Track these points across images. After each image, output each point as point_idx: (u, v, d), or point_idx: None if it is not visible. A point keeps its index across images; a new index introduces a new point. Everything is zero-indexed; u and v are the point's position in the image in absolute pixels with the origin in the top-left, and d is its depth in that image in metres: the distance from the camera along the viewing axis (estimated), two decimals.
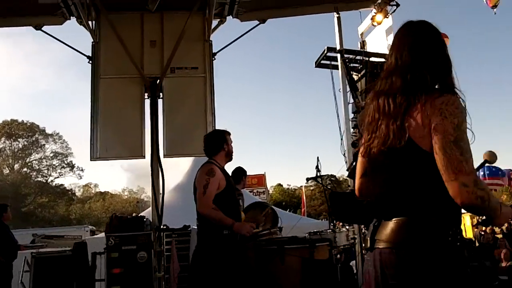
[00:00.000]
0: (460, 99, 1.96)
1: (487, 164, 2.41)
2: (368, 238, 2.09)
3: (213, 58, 8.23)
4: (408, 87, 2.02)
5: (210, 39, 8.18)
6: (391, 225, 1.99)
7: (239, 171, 6.72)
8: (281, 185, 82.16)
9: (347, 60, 9.75)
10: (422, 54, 2.07)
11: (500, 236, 17.04)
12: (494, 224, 2.04)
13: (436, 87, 2.06)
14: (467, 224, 17.58)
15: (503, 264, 7.29)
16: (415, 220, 1.94)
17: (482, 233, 17.77)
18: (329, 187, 6.90)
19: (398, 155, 1.99)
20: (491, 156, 2.39)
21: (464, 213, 2.09)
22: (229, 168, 5.09)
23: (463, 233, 2.05)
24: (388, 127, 2.00)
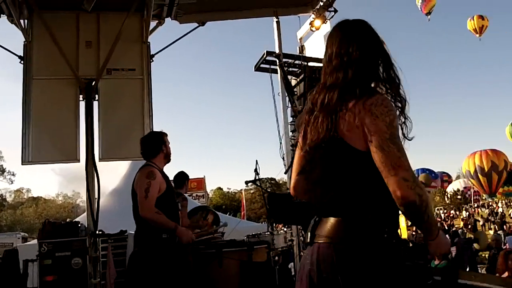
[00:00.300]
0: (390, 98, 2.03)
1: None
2: (309, 233, 2.10)
3: (151, 60, 8.10)
4: (339, 85, 2.05)
5: (148, 40, 8.04)
6: (330, 221, 2.02)
7: (182, 176, 6.65)
8: (221, 189, 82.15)
9: (286, 64, 9.85)
10: (363, 50, 2.09)
11: None
12: (430, 246, 2.00)
13: (372, 85, 2.10)
14: (402, 225, 18.12)
15: (436, 263, 7.51)
16: (353, 218, 1.97)
17: (414, 233, 18.37)
18: (268, 190, 6.90)
19: (331, 152, 2.02)
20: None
21: (400, 213, 2.11)
22: (171, 172, 4.99)
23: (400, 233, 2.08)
24: (322, 123, 2.03)
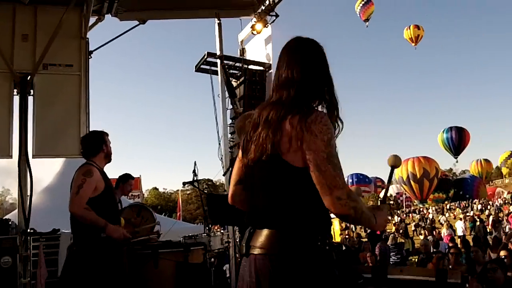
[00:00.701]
0: (328, 116, 2.09)
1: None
2: (244, 244, 2.14)
3: (90, 56, 7.94)
4: (282, 102, 2.12)
5: (87, 36, 7.88)
6: (265, 232, 2.07)
7: (120, 178, 6.58)
8: (157, 189, 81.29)
9: (226, 67, 9.88)
10: (307, 71, 2.16)
11: (365, 239, 18.15)
12: (374, 230, 2.24)
13: (312, 104, 2.18)
14: (336, 229, 18.48)
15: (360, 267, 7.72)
16: (287, 229, 2.03)
17: (347, 237, 18.81)
18: (205, 191, 6.90)
19: (270, 166, 2.09)
20: (396, 161, 2.51)
21: (333, 218, 2.22)
22: (111, 172, 4.89)
23: (333, 237, 2.19)
24: (264, 138, 2.09)
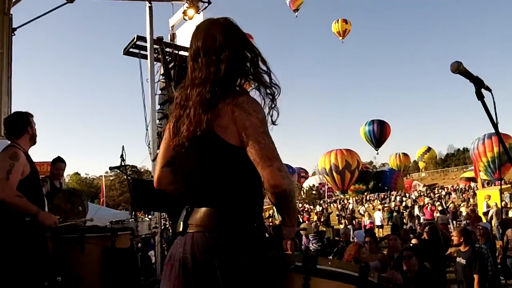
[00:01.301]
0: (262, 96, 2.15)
1: None
2: (181, 223, 2.11)
3: (13, 34, 7.60)
4: (211, 80, 2.10)
5: (11, 12, 7.53)
6: (204, 211, 2.07)
7: (55, 160, 6.41)
8: (79, 174, 79.24)
9: (156, 51, 9.73)
10: (232, 49, 2.15)
11: None
12: (284, 229, 2.25)
13: (240, 82, 2.19)
14: None
15: (288, 253, 7.86)
16: (226, 208, 2.05)
17: (271, 224, 19.11)
18: (130, 178, 6.81)
19: (206, 145, 2.08)
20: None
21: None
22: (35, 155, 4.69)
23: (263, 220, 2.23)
24: (197, 117, 2.07)
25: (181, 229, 2.11)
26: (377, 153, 65.47)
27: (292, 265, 2.25)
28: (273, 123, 2.15)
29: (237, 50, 2.17)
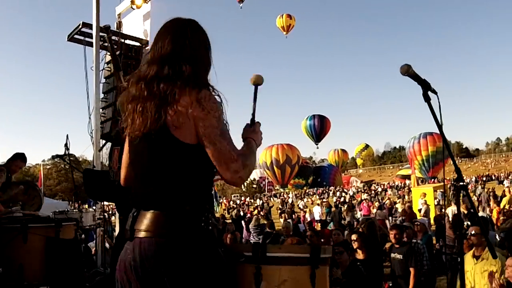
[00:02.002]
0: (215, 94, 2.12)
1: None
2: (128, 228, 2.09)
3: None
4: (170, 77, 2.08)
5: None
6: (150, 215, 2.04)
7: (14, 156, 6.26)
8: None
9: (101, 39, 9.52)
10: (187, 48, 2.16)
11: (229, 221, 18.59)
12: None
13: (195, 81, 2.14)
14: None
15: (236, 245, 7.86)
16: (172, 210, 2.02)
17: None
18: (67, 167, 6.51)
19: (157, 143, 2.05)
20: (258, 79, 2.53)
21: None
22: None
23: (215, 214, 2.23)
24: (151, 113, 2.03)
25: (128, 234, 2.08)
26: (317, 147, 66.58)
27: (243, 258, 2.26)
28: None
29: (201, 53, 2.20)
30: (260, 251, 2.21)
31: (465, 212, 11.29)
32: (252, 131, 2.35)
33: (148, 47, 9.99)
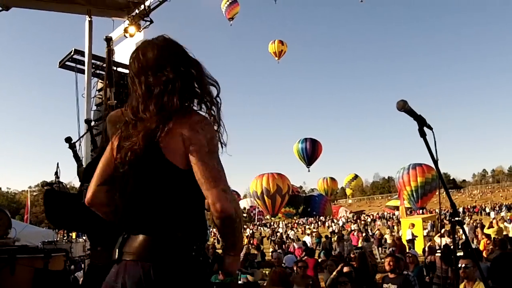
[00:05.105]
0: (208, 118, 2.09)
1: None
2: (117, 250, 2.04)
3: None
4: (165, 100, 2.03)
5: None
6: (139, 238, 2.00)
7: None
8: (0, 188, 75.73)
9: (94, 66, 9.56)
10: (181, 72, 2.10)
11: (220, 251, 18.42)
12: (227, 258, 2.17)
13: (191, 104, 2.13)
14: None
15: (220, 278, 7.75)
16: (162, 235, 1.98)
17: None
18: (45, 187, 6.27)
19: (150, 166, 2.01)
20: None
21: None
22: None
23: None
24: (145, 137, 2.00)
25: (116, 256, 2.03)
26: (309, 171, 66.08)
27: None
28: (223, 144, 2.11)
29: (181, 68, 2.11)
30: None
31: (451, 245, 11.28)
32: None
33: None
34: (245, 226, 59.71)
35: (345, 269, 7.42)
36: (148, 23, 9.61)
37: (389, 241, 21.45)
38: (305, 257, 12.66)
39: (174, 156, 1.99)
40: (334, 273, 7.50)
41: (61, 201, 4.86)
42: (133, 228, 2.04)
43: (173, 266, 1.94)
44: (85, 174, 4.10)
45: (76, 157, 5.43)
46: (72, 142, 5.38)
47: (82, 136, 7.38)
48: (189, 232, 2.02)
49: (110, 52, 8.65)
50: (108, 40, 8.76)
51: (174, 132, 1.98)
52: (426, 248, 13.35)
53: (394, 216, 51.47)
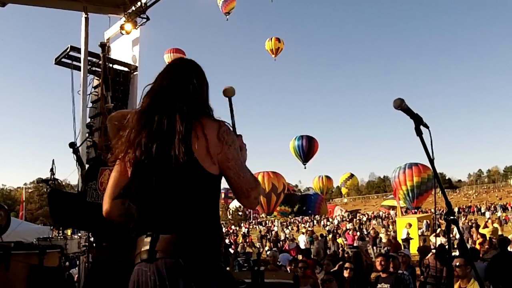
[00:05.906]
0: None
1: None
2: (147, 249, 2.06)
3: None
4: (187, 111, 2.15)
5: None
6: (175, 237, 2.05)
7: None
8: None
9: (89, 63, 9.54)
10: (202, 87, 2.33)
11: None
12: None
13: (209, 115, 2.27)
14: None
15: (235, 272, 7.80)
16: (195, 234, 2.07)
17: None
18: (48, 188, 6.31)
19: (184, 172, 2.08)
20: (229, 91, 2.62)
21: None
22: None
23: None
24: (178, 145, 2.07)
25: (146, 256, 2.06)
26: (305, 168, 66.20)
27: (244, 284, 2.37)
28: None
29: (205, 90, 2.35)
30: (259, 277, 2.34)
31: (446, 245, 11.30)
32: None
33: (137, 73, 10.04)
34: (240, 225, 59.83)
35: (347, 264, 7.44)
36: (144, 20, 9.58)
37: (384, 240, 21.52)
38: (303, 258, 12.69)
39: (207, 163, 2.12)
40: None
41: (65, 200, 5.03)
42: (164, 228, 2.08)
43: (208, 260, 2.07)
44: (87, 175, 4.24)
45: (80, 161, 5.59)
46: (76, 147, 5.51)
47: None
48: (214, 229, 2.16)
49: (105, 57, 8.68)
50: (103, 45, 8.77)
51: (209, 142, 2.11)
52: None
53: (389, 216, 51.61)
